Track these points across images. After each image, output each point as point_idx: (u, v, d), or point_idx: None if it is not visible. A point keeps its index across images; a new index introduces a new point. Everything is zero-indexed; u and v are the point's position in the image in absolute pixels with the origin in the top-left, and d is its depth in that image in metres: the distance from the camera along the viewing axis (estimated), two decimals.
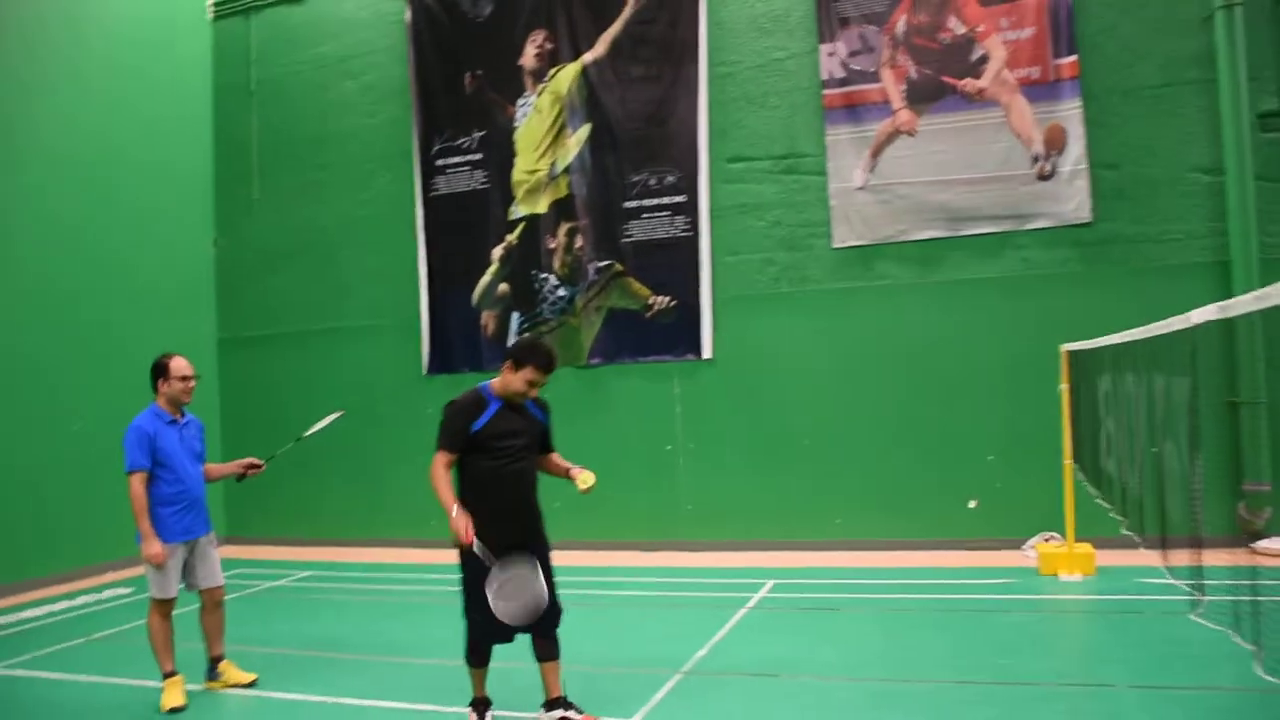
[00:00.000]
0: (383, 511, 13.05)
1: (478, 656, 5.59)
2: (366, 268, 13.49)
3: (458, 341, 12.94)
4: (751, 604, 8.85)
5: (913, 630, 7.76)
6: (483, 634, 5.51)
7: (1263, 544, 9.61)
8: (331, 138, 13.72)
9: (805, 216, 11.57)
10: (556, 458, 5.81)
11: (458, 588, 5.57)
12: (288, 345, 13.81)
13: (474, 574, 5.42)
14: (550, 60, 12.56)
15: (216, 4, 14.37)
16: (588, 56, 12.34)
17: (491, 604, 5.23)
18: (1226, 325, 9.67)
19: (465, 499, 5.43)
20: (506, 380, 5.48)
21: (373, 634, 8.33)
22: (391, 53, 13.48)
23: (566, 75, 12.43)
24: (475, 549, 5.26)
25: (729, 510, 11.70)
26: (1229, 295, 8.81)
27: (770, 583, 9.67)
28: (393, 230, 13.31)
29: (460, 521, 5.25)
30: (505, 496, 5.48)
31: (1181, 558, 6.06)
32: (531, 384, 5.44)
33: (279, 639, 8.19)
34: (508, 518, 5.42)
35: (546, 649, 5.62)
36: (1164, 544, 6.87)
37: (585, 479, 5.45)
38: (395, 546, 12.66)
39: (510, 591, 5.27)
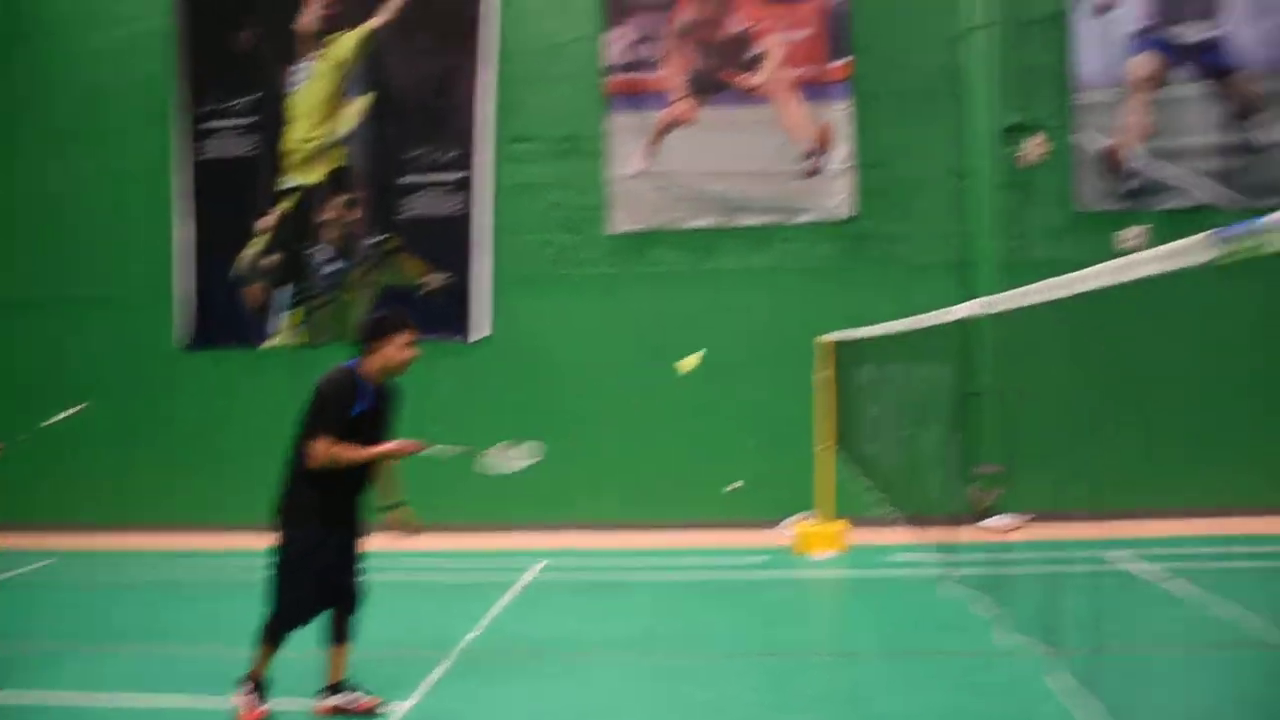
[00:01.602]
0: (132, 494, 12.16)
1: (278, 637, 5.36)
2: (108, 233, 12.39)
3: (221, 315, 12.21)
4: (522, 584, 8.89)
5: (680, 606, 8.04)
6: (293, 615, 5.33)
7: (989, 521, 10.49)
8: (80, 89, 12.56)
9: (584, 200, 11.68)
10: None
11: (271, 567, 5.35)
12: (14, 314, 12.51)
13: (297, 552, 5.30)
14: (335, 23, 12.04)
15: None
16: (374, 22, 11.93)
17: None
18: (962, 322, 10.51)
19: (317, 478, 5.23)
20: (385, 357, 5.30)
21: (120, 624, 7.89)
22: (154, 3, 12.51)
23: (349, 41, 11.98)
24: (438, 450, 5.36)
25: (497, 492, 11.55)
26: (971, 293, 9.53)
27: (541, 563, 9.73)
28: (143, 196, 12.33)
29: (410, 443, 5.34)
30: (363, 483, 5.44)
31: (936, 534, 6.58)
32: (411, 345, 5.34)
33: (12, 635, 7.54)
34: (359, 505, 5.41)
35: (345, 631, 5.52)
36: (919, 521, 7.42)
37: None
38: (142, 532, 11.82)
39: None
